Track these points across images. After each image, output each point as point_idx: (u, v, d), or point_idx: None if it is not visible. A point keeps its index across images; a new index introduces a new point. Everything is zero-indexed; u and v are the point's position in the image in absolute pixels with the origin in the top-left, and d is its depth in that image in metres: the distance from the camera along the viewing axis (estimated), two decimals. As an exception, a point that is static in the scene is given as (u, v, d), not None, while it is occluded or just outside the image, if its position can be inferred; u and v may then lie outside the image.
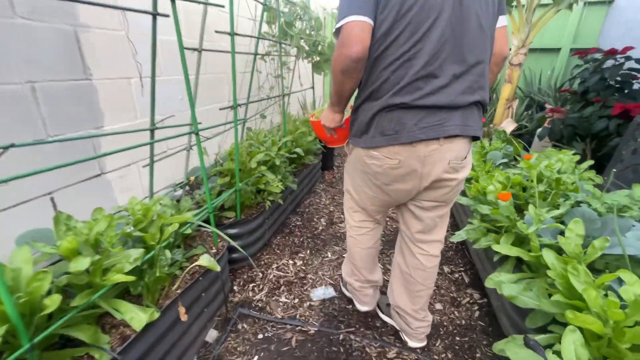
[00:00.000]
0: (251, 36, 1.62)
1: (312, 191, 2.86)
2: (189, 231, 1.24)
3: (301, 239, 2.09)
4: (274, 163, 1.90)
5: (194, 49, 1.41)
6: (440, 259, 1.28)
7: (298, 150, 2.33)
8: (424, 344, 1.33)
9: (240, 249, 1.26)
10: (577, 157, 1.77)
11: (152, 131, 1.33)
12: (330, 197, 2.78)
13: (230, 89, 2.51)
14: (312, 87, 2.91)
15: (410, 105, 0.89)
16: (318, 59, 2.51)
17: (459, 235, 1.55)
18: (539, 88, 4.29)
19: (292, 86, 2.82)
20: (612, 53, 2.73)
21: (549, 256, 1.00)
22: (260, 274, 1.73)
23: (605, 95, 2.81)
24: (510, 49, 2.00)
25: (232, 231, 1.66)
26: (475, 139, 0.99)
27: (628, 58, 2.71)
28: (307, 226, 2.26)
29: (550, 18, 2.44)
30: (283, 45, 2.35)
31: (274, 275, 1.72)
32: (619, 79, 2.75)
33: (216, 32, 1.33)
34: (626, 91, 2.77)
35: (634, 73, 2.67)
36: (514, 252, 1.16)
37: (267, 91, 2.47)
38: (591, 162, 1.83)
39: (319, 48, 2.41)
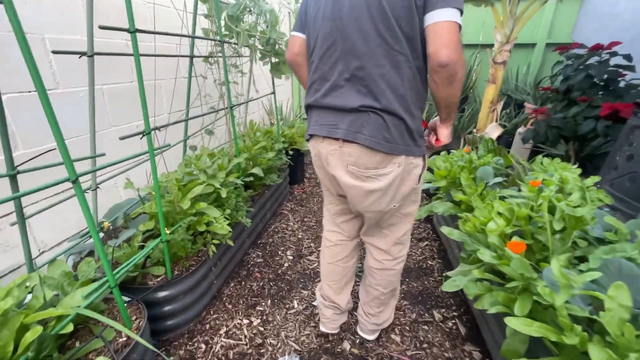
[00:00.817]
0: (171, 34, 1.21)
1: (277, 214, 2.47)
2: (69, 329, 0.83)
3: (261, 283, 1.71)
4: (219, 195, 1.50)
5: (80, 53, 0.99)
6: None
7: (256, 170, 1.94)
8: (370, 337, 1.39)
9: (147, 346, 0.87)
10: (579, 171, 1.50)
11: (13, 177, 0.89)
12: (299, 219, 2.41)
13: (169, 99, 2.07)
14: (273, 93, 2.52)
15: (312, 105, 1.03)
16: (276, 60, 2.11)
17: (453, 284, 1.22)
18: (516, 85, 4.12)
19: (249, 92, 2.41)
20: (597, 49, 2.53)
21: (598, 355, 0.69)
22: (204, 345, 1.33)
23: (591, 94, 2.62)
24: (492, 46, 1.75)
25: (162, 294, 1.25)
26: (407, 153, 0.94)
27: (613, 54, 2.52)
28: (270, 263, 1.88)
29: (536, 10, 2.18)
30: (233, 45, 1.95)
31: (222, 346, 1.33)
32: (605, 76, 2.57)
33: (100, 27, 0.91)
34: (611, 88, 2.59)
35: (620, 70, 2.48)
36: (536, 330, 0.84)
37: (215, 101, 2.04)
38: (597, 178, 1.56)
39: (276, 47, 2.03)
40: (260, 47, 1.95)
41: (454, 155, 1.91)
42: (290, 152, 2.81)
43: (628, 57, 2.45)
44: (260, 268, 1.83)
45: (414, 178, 0.98)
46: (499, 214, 1.22)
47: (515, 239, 1.08)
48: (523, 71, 4.12)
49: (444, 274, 1.76)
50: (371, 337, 1.38)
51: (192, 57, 1.57)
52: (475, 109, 4.04)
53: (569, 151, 3.13)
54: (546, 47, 3.98)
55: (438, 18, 0.76)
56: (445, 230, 1.39)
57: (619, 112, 2.39)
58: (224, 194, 1.48)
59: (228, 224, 1.45)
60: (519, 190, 1.62)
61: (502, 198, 1.49)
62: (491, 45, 3.71)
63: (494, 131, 2.35)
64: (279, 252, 1.98)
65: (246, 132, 2.46)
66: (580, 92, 2.68)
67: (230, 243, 1.50)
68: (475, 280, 1.09)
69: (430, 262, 1.90)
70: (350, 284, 1.38)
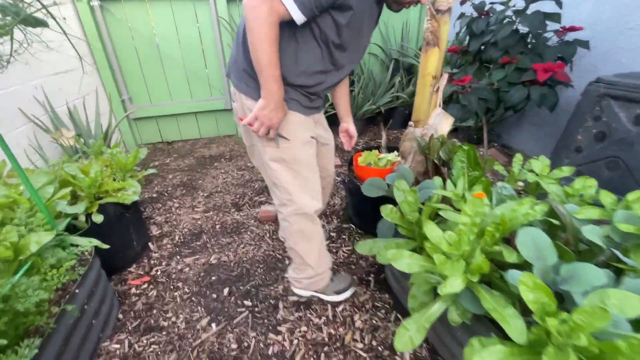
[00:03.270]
0: None
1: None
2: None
3: None
4: None
5: None
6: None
7: None
8: (292, 287, 1.38)
9: None
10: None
11: None
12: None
13: None
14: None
15: None
16: None
17: None
18: (402, 45, 3.53)
19: None
20: (521, -8, 1.96)
21: None
22: None
23: (514, 53, 2.12)
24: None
25: None
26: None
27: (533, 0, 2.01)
28: None
29: None
30: None
31: None
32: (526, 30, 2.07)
33: None
34: (530, 46, 2.14)
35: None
36: None
37: None
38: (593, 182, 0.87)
39: None
40: None
41: (458, 214, 0.95)
42: (97, 219, 1.36)
43: (558, 2, 1.97)
44: None
45: None
46: None
47: None
48: (399, 29, 3.52)
49: None
50: (293, 287, 1.38)
51: None
52: (365, 82, 3.28)
53: (482, 123, 2.73)
54: None
55: None
56: None
57: (554, 74, 1.92)
58: None
59: None
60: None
61: None
62: None
63: (443, 122, 1.53)
64: None
65: None
66: (502, 51, 2.14)
67: None
68: None
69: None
70: None
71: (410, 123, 1.66)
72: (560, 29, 2.03)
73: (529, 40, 2.12)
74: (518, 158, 1.40)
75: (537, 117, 2.65)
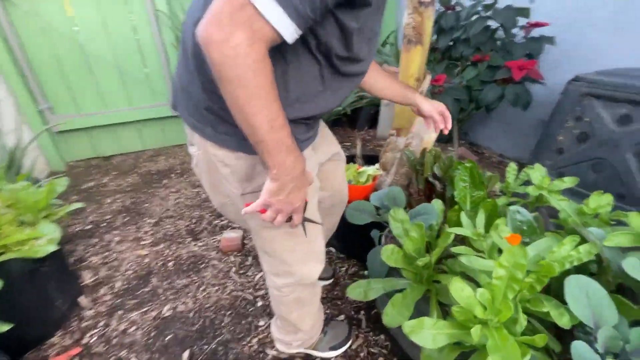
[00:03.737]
0: None
1: None
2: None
3: None
4: None
5: None
6: None
7: None
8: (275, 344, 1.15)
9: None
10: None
11: None
12: None
13: None
14: None
15: None
16: None
17: None
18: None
19: None
20: (492, -15, 1.86)
21: None
22: None
23: (486, 50, 2.03)
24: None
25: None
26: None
27: (502, -7, 1.92)
28: None
29: None
30: None
31: None
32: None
33: None
34: (499, 43, 2.07)
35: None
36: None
37: None
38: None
39: None
40: None
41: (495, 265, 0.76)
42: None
43: (529, -4, 1.89)
44: None
45: (231, 181, 0.72)
46: None
47: None
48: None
49: None
50: (278, 346, 1.15)
51: None
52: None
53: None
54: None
55: None
56: None
57: (528, 72, 1.86)
58: None
59: None
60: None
61: None
62: None
63: (428, 131, 1.35)
64: None
65: None
66: (473, 49, 2.04)
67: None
68: None
69: None
70: None
71: (392, 131, 1.47)
72: (527, 25, 1.98)
73: (497, 36, 2.04)
74: (512, 168, 1.26)
75: (503, 114, 2.62)
